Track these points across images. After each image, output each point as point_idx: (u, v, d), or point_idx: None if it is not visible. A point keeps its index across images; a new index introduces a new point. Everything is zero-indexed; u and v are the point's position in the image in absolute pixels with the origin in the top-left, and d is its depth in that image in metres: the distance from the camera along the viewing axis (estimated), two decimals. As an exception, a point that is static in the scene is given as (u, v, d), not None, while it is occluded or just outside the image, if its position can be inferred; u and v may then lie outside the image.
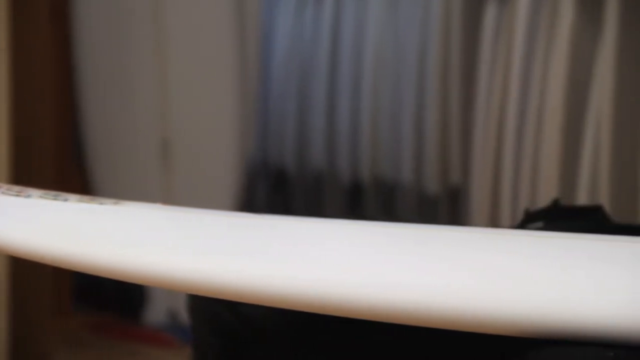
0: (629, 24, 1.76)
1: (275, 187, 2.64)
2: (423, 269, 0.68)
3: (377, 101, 2.34)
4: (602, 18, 1.80)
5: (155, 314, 2.68)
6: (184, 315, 2.20)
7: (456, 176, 2.17)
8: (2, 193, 0.90)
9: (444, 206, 2.21)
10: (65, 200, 0.88)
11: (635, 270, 0.64)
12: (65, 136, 2.74)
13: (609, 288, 0.63)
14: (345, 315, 0.69)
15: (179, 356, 2.44)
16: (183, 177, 2.67)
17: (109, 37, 2.72)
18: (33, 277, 2.17)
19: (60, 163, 2.57)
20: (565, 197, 1.83)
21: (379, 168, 2.36)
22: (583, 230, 0.74)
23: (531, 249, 0.69)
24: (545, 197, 1.78)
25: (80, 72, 2.75)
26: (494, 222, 2.02)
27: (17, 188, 0.94)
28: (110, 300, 2.74)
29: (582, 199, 1.83)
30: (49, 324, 2.28)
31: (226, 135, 2.68)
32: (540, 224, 1.11)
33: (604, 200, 1.78)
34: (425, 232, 0.75)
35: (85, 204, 0.88)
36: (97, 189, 2.72)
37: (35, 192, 0.91)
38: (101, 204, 0.87)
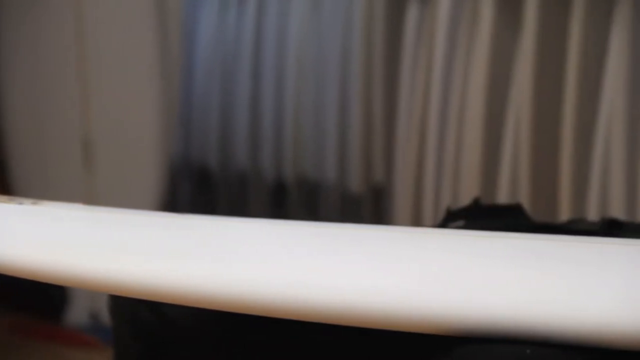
0: (548, 24, 1.79)
1: (199, 186, 2.63)
2: (354, 270, 0.68)
3: (300, 101, 2.34)
4: (521, 18, 1.82)
5: (76, 314, 2.65)
6: (105, 316, 2.17)
7: (379, 175, 2.18)
8: None
9: (367, 205, 2.22)
10: (-18, 200, 0.87)
11: (582, 268, 0.65)
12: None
13: (569, 288, 0.64)
14: (269, 315, 0.69)
15: (101, 357, 2.41)
16: (105, 176, 2.64)
17: (29, 36, 2.67)
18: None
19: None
20: (486, 195, 1.85)
21: (303, 167, 2.36)
22: (503, 228, 0.75)
23: (461, 248, 0.69)
24: (466, 196, 1.80)
25: (-1, 70, 2.71)
26: (416, 220, 2.04)
27: None
28: (30, 300, 2.69)
29: (502, 197, 1.85)
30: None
31: (148, 135, 2.65)
32: (461, 222, 1.13)
33: (524, 199, 1.80)
34: (355, 231, 0.75)
35: (3, 204, 0.87)
36: (16, 189, 2.68)
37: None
38: (20, 203, 0.86)
